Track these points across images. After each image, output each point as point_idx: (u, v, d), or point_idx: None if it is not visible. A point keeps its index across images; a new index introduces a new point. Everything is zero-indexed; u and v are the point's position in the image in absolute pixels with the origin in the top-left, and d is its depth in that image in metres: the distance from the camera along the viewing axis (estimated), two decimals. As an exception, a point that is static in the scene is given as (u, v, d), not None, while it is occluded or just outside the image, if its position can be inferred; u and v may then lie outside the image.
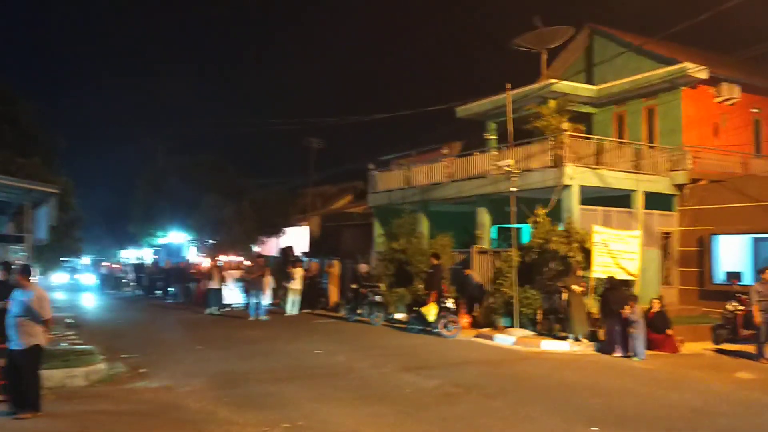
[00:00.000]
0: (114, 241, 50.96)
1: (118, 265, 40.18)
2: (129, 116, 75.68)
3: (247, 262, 24.71)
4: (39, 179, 14.15)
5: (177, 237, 37.22)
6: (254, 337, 15.44)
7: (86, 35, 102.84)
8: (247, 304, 20.49)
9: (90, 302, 27.94)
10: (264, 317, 19.06)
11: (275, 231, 33.23)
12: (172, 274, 28.34)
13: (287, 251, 25.62)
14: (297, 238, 34.34)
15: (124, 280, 35.76)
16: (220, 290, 21.32)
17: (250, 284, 19.77)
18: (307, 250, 31.27)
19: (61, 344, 12.41)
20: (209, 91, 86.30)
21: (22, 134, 20.29)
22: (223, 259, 24.93)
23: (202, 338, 15.18)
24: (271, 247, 33.61)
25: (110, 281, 36.67)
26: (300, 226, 34.46)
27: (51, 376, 9.41)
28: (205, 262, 26.54)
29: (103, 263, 43.92)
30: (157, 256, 37.32)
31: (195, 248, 36.04)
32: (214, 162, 35.06)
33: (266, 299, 20.12)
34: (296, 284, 20.59)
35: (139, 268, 34.90)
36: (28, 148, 19.77)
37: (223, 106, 77.00)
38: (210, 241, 33.46)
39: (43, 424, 7.52)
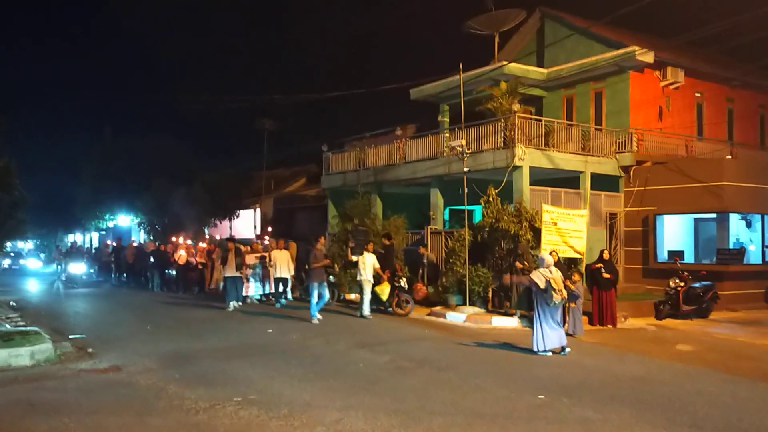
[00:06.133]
0: (59, 225, 49.50)
1: (105, 246, 31.93)
2: (75, 97, 73.26)
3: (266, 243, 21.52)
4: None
5: (125, 220, 36.23)
6: (206, 317, 15.29)
7: (32, 12, 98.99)
8: (267, 295, 18.76)
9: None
10: (318, 318, 14.70)
11: (228, 214, 32.89)
12: (157, 258, 24.06)
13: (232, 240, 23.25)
14: (249, 220, 34.04)
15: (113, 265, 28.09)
16: (239, 278, 17.41)
17: (314, 275, 15.24)
18: (258, 232, 31.06)
19: (5, 326, 12.07)
20: (159, 70, 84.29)
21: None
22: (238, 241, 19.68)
23: (151, 319, 14.96)
24: (224, 230, 33.24)
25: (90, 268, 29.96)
26: (253, 208, 34.15)
27: (-6, 356, 9.20)
28: (205, 244, 23.36)
29: (77, 245, 36.62)
30: (120, 239, 32.98)
31: (143, 231, 35.18)
32: (164, 143, 34.27)
33: (264, 289, 18.72)
34: (369, 273, 15.79)
35: (119, 251, 27.52)
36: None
37: (174, 85, 75.42)
38: (158, 226, 32.80)
39: (-14, 403, 7.33)
